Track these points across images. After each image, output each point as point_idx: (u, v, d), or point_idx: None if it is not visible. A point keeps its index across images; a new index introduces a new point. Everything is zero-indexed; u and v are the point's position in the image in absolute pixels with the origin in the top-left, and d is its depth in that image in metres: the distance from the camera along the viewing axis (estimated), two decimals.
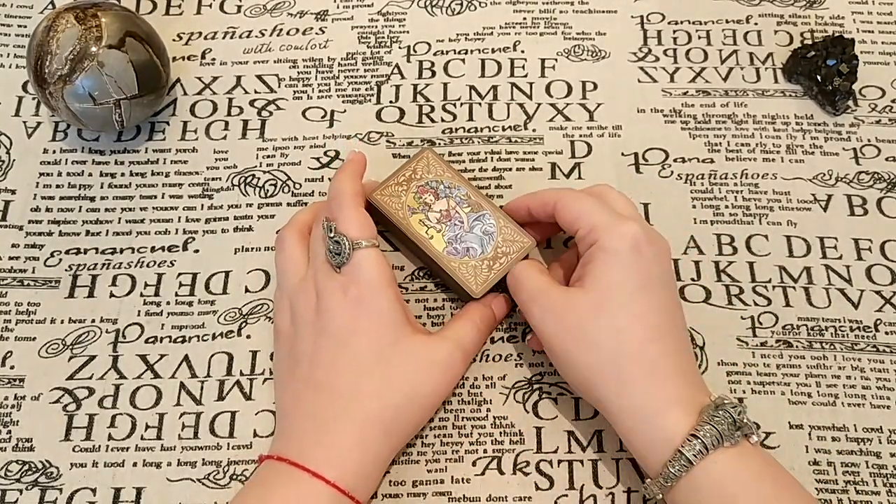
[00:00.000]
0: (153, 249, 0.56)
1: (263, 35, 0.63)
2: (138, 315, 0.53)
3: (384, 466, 0.46)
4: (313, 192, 0.57)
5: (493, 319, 0.51)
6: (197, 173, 0.58)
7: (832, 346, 0.53)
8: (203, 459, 0.49)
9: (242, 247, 0.56)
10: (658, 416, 0.43)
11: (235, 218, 0.57)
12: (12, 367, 0.52)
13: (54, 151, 0.59)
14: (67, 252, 0.56)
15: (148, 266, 0.55)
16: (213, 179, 0.58)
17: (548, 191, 0.51)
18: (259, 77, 0.62)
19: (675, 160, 0.59)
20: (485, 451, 0.50)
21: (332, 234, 0.48)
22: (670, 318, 0.46)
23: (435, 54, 0.63)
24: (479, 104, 0.61)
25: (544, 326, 0.47)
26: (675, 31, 0.64)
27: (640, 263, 0.45)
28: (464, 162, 0.58)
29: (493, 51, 0.63)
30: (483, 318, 0.51)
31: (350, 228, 0.47)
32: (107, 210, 0.57)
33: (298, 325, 0.48)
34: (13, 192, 0.58)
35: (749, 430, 0.43)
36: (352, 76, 0.62)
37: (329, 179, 0.58)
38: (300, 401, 0.46)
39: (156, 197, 0.57)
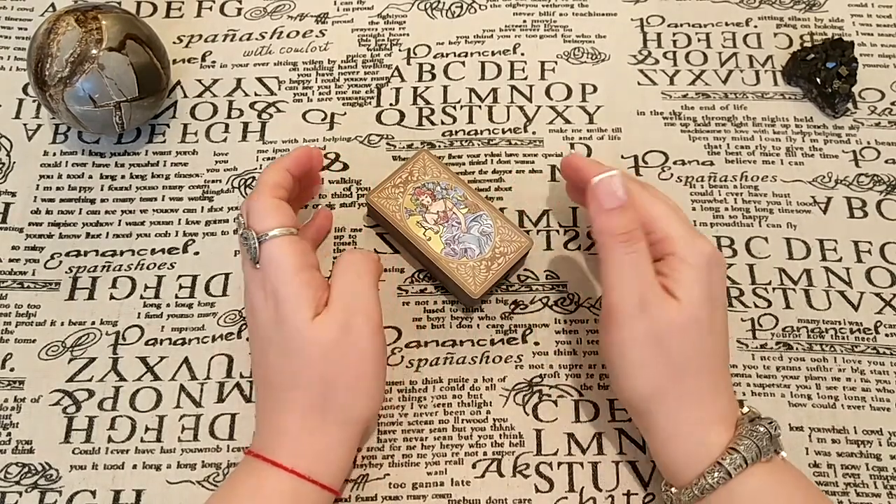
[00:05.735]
0: (153, 251, 0.56)
1: (264, 37, 0.64)
2: (138, 317, 0.54)
3: (345, 448, 0.46)
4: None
5: (375, 264, 0.49)
6: (197, 175, 0.58)
7: (832, 349, 0.53)
8: (203, 461, 0.50)
9: None
10: (704, 429, 0.44)
11: (235, 220, 0.57)
12: (12, 370, 0.52)
13: (54, 154, 0.59)
14: (67, 254, 0.56)
15: (148, 268, 0.55)
16: (213, 182, 0.58)
17: (618, 175, 0.47)
18: (259, 79, 0.62)
19: (674, 162, 0.59)
20: (484, 453, 0.50)
21: (241, 231, 0.47)
22: (726, 337, 0.47)
23: (435, 57, 0.63)
24: (479, 107, 0.61)
25: (632, 322, 0.44)
26: (674, 34, 0.64)
27: (711, 282, 0.45)
28: (464, 164, 0.58)
29: (493, 53, 0.63)
30: (367, 270, 0.48)
31: (255, 222, 0.46)
32: (107, 212, 0.57)
33: (248, 329, 0.49)
34: (13, 194, 0.58)
35: (779, 445, 0.44)
36: (352, 79, 0.62)
37: (329, 182, 0.58)
38: (258, 398, 0.48)
39: (156, 199, 0.57)
